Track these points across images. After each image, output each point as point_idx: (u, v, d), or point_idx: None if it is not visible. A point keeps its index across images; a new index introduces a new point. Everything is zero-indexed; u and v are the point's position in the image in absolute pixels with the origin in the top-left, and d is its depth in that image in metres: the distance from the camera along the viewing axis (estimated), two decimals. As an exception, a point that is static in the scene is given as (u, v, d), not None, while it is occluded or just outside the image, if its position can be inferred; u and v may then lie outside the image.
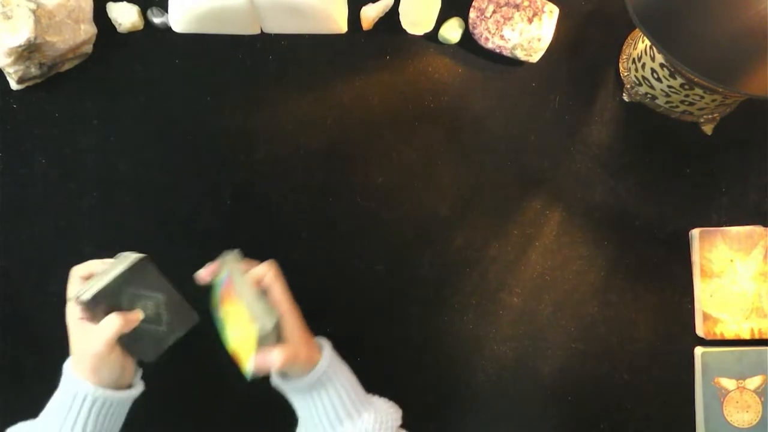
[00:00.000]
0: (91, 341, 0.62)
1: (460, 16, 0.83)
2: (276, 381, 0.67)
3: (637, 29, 0.82)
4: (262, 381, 0.66)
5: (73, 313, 0.64)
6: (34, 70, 0.75)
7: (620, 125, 0.84)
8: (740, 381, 0.80)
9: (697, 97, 0.77)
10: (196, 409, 0.78)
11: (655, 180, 0.83)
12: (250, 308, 0.62)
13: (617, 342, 0.82)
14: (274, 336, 0.62)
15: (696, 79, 0.72)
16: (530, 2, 0.79)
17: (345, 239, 0.80)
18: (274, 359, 0.61)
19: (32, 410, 0.66)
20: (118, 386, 0.64)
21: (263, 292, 0.65)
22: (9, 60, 0.73)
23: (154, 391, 0.69)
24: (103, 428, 0.63)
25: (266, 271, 0.65)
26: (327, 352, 0.66)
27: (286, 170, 0.80)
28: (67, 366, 0.64)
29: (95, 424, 0.62)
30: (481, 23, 0.80)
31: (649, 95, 0.82)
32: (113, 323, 0.61)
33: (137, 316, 0.64)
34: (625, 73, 0.83)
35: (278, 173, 0.80)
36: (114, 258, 0.67)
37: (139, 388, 0.66)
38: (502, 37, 0.80)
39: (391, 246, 0.81)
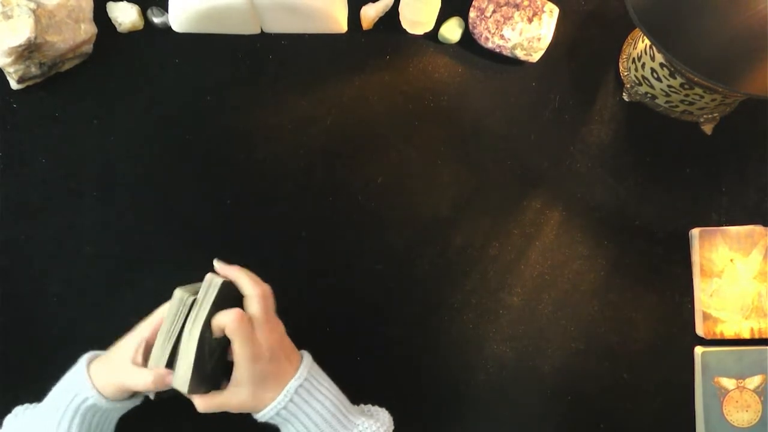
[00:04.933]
0: (127, 376, 0.62)
1: (460, 16, 0.83)
2: None
3: (637, 29, 0.82)
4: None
5: (131, 346, 0.64)
6: (34, 70, 0.75)
7: (620, 125, 0.84)
8: (740, 380, 0.80)
9: (697, 97, 0.77)
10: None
11: (655, 180, 0.83)
12: (180, 359, 0.62)
13: (617, 341, 0.82)
14: (203, 384, 0.62)
15: (696, 79, 0.72)
16: (530, 2, 0.79)
17: (345, 239, 0.80)
18: (196, 404, 0.62)
19: (32, 410, 0.66)
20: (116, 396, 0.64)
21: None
22: (9, 60, 0.72)
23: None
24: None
25: (228, 323, 0.61)
26: (279, 399, 0.63)
27: (286, 170, 0.80)
28: (84, 364, 0.65)
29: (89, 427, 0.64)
30: (481, 23, 0.80)
31: (649, 95, 0.82)
32: (149, 381, 0.62)
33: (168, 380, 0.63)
34: (625, 73, 0.83)
35: (278, 173, 0.80)
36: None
37: (139, 398, 0.67)
38: (502, 36, 0.80)
39: (391, 246, 0.81)
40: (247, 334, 0.61)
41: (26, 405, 0.68)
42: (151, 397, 0.66)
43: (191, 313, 0.62)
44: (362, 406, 0.70)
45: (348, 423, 0.65)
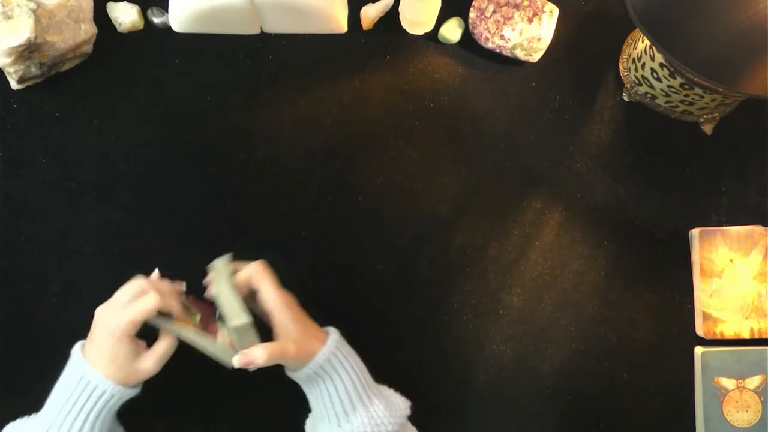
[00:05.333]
0: (116, 319, 0.63)
1: (460, 16, 0.83)
2: (286, 371, 0.68)
3: (637, 29, 0.82)
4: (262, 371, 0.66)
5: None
6: (34, 70, 0.75)
7: (620, 125, 0.84)
8: (740, 381, 0.80)
9: (697, 97, 0.77)
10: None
11: (655, 180, 0.83)
12: (224, 307, 0.63)
13: (617, 342, 0.82)
14: (254, 333, 0.63)
15: (696, 79, 0.72)
16: (530, 2, 0.79)
17: (345, 239, 0.80)
18: (257, 357, 0.62)
19: (32, 411, 0.66)
20: (126, 382, 0.64)
21: (253, 293, 0.66)
22: (9, 60, 0.72)
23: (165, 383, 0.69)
24: (105, 423, 0.64)
25: (252, 272, 0.66)
26: (329, 343, 0.66)
27: (286, 170, 0.80)
28: (78, 352, 0.64)
29: (103, 422, 0.63)
30: (481, 23, 0.80)
31: (649, 95, 0.82)
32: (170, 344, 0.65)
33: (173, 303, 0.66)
34: (625, 73, 0.83)
35: (278, 173, 0.80)
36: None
37: (138, 388, 0.66)
38: (502, 36, 0.80)
39: (391, 246, 0.81)
40: (274, 279, 0.66)
41: (24, 418, 0.66)
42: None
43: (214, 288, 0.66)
44: (380, 385, 0.71)
45: (370, 395, 0.67)
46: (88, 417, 0.62)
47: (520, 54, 0.81)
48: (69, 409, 0.62)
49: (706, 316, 0.80)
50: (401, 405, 0.69)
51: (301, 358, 0.65)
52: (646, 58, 0.78)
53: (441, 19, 0.82)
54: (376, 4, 0.81)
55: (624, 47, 0.84)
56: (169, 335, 0.66)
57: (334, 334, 0.68)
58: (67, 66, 0.78)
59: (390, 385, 0.72)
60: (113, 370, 0.62)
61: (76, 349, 0.65)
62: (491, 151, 0.83)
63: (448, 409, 0.80)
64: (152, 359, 0.64)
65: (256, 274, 0.66)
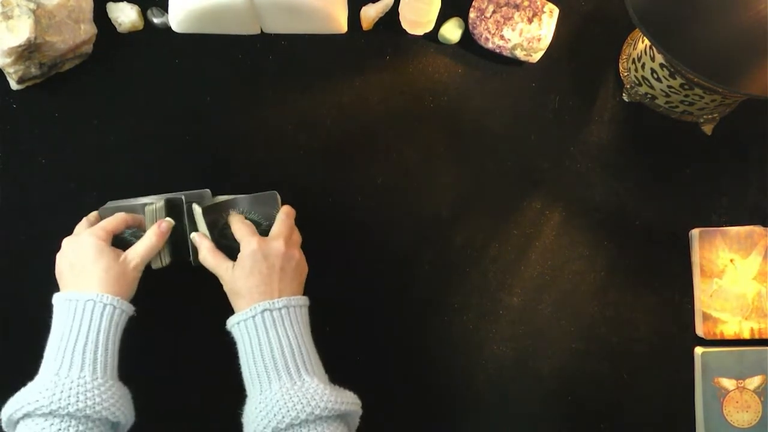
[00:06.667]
0: (136, 255, 0.67)
1: (460, 16, 0.83)
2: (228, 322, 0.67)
3: (637, 29, 0.82)
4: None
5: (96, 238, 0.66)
6: (34, 70, 0.76)
7: (620, 125, 0.84)
8: (740, 381, 0.80)
9: (697, 97, 0.77)
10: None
11: (655, 180, 0.83)
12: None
13: (617, 342, 0.82)
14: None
15: (696, 79, 0.72)
16: (530, 2, 0.79)
17: (345, 239, 0.80)
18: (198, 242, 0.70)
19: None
20: (120, 292, 0.65)
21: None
22: (9, 60, 0.73)
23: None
24: (115, 347, 0.63)
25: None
26: (282, 302, 0.65)
27: (286, 170, 0.80)
28: (58, 294, 0.65)
29: (114, 344, 0.62)
30: (481, 23, 0.80)
31: (649, 95, 0.82)
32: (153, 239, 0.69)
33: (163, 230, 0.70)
34: (625, 73, 0.83)
35: (278, 173, 0.80)
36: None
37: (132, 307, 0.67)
38: (502, 37, 0.80)
39: (392, 246, 0.81)
40: (250, 230, 0.69)
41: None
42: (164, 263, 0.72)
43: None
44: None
45: (299, 371, 0.62)
46: (98, 340, 0.60)
47: (520, 54, 0.81)
48: (74, 342, 0.60)
49: (706, 317, 0.80)
50: (351, 399, 0.63)
51: (246, 296, 0.65)
52: (646, 59, 0.78)
53: (441, 19, 0.82)
54: (376, 4, 0.81)
55: (624, 47, 0.84)
56: (149, 236, 0.69)
57: (300, 303, 0.66)
58: (67, 66, 0.78)
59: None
60: (102, 285, 0.63)
61: (55, 296, 0.65)
62: (491, 151, 0.83)
63: (448, 409, 0.80)
64: (135, 255, 0.67)
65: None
